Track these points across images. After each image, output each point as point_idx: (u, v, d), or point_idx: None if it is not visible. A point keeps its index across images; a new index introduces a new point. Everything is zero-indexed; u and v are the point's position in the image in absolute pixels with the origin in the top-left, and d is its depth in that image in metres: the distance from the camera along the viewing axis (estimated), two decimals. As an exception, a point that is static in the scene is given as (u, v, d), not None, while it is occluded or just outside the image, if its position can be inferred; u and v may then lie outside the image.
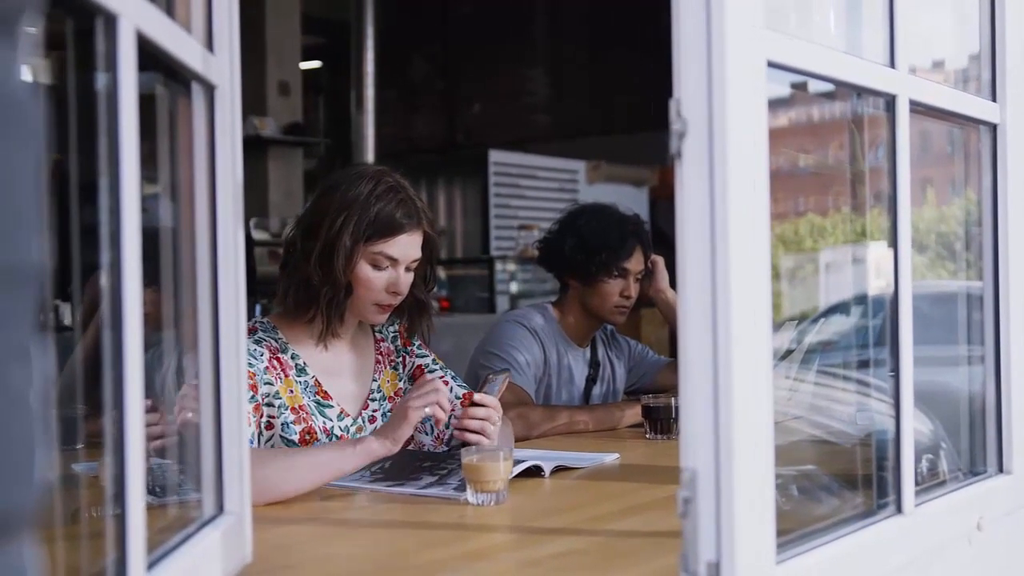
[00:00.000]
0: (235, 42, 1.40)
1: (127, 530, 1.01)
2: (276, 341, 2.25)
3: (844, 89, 1.62)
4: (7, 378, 0.50)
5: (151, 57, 1.12)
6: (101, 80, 1.01)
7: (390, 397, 2.39)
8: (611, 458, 2.39)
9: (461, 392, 2.42)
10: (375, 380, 2.38)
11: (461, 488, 1.94)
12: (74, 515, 1.26)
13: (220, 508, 1.38)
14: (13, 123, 0.49)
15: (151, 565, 1.09)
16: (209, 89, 1.35)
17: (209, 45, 1.35)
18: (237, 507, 1.40)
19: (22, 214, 0.50)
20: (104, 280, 1.01)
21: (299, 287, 2.24)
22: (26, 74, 0.52)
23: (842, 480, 1.73)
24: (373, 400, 2.37)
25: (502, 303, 7.50)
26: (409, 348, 2.46)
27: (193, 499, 1.38)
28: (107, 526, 1.03)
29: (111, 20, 1.00)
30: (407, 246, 2.25)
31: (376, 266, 2.23)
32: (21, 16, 0.51)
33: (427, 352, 2.48)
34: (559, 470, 2.22)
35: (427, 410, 2.01)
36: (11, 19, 0.50)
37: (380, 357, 2.42)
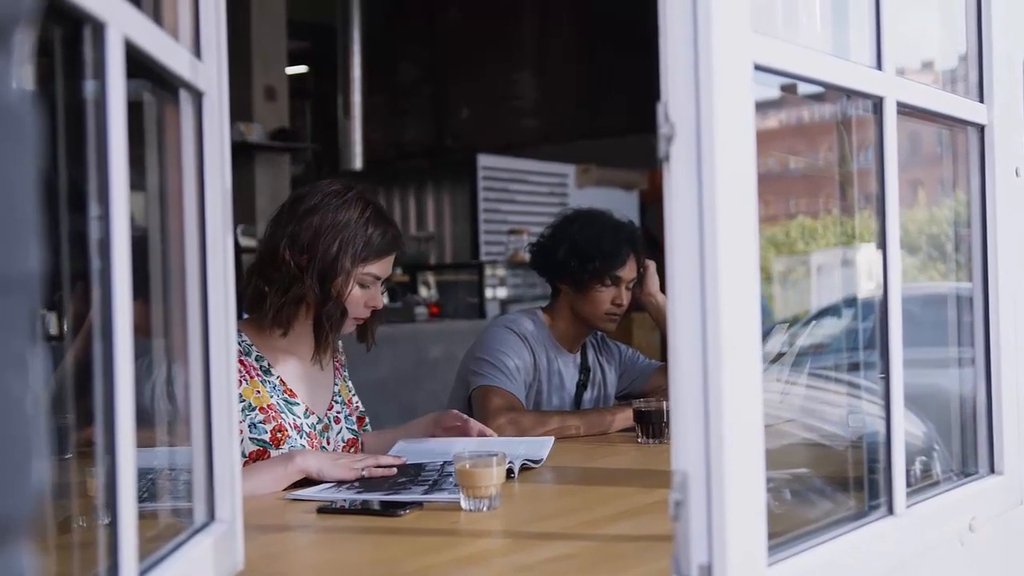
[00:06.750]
0: (223, 49, 1.40)
1: (119, 539, 1.01)
2: (239, 344, 2.29)
3: (833, 91, 1.62)
4: (4, 385, 0.50)
5: (138, 64, 1.12)
6: (89, 88, 1.01)
7: (347, 402, 2.50)
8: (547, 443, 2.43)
9: (347, 436, 2.48)
10: (336, 385, 2.49)
11: (456, 492, 1.93)
12: (63, 524, 1.25)
13: (211, 516, 1.38)
14: (10, 132, 0.49)
15: (142, 573, 1.09)
16: (197, 96, 1.35)
17: (197, 52, 1.35)
18: (228, 515, 1.39)
19: (19, 222, 0.50)
20: (95, 288, 1.01)
21: (291, 304, 2.29)
22: (21, 82, 0.52)
23: (834, 482, 1.73)
24: (336, 402, 2.47)
25: (492, 308, 7.48)
26: (344, 373, 2.56)
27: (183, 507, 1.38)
28: (95, 535, 1.03)
29: (99, 28, 1.00)
30: (390, 265, 2.38)
31: (362, 285, 2.33)
32: (16, 25, 0.51)
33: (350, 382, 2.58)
34: (526, 469, 2.26)
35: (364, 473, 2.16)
36: (5, 28, 0.50)
37: (338, 366, 2.53)
